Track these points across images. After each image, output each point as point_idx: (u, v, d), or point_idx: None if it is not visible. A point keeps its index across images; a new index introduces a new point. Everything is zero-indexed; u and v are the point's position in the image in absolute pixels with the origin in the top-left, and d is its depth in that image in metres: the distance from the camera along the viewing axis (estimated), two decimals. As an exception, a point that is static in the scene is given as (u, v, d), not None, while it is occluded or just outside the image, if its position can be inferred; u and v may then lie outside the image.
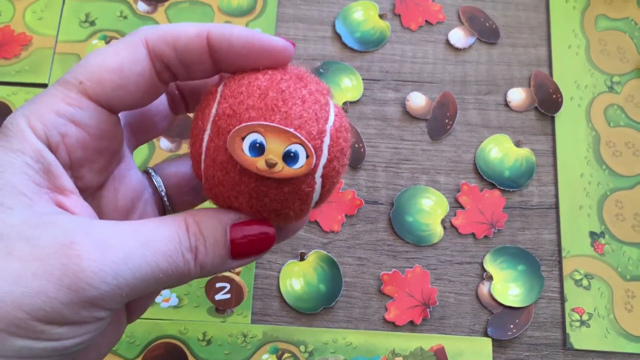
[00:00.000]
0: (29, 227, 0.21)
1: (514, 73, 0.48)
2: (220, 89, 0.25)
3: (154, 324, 0.41)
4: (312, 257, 0.43)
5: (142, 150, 0.45)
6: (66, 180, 0.24)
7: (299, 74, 0.26)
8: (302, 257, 0.43)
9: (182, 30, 0.25)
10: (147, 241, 0.22)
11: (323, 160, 0.25)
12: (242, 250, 0.25)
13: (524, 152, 0.46)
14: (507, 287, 0.43)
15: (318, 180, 0.25)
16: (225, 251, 0.24)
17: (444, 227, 0.45)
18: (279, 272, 0.43)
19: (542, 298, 0.43)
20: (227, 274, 0.43)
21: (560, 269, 0.44)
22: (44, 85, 0.47)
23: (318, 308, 0.42)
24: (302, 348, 0.41)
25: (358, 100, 0.47)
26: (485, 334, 0.42)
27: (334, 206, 0.45)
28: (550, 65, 0.49)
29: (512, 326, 0.42)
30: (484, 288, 0.43)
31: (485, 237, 0.44)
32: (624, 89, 0.48)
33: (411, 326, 0.42)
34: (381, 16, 0.50)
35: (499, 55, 0.49)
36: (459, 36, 0.49)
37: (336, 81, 0.48)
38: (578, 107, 0.47)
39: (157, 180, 0.29)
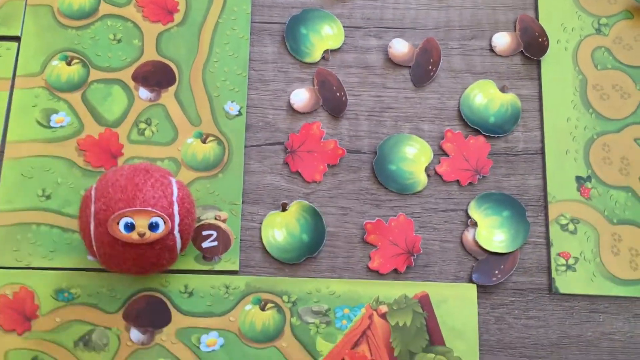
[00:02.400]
0: None
1: (498, 17, 0.47)
2: (92, 192, 0.37)
3: (135, 277, 0.41)
4: (294, 208, 0.43)
5: (121, 101, 0.44)
6: None
7: (145, 168, 0.38)
8: (284, 208, 0.43)
9: None
10: None
11: (177, 221, 0.37)
12: None
13: (510, 98, 0.45)
14: (492, 233, 0.42)
15: (177, 234, 0.37)
16: None
17: (428, 175, 0.44)
18: (261, 223, 0.42)
19: (528, 243, 0.43)
20: (213, 221, 0.42)
21: (546, 214, 0.43)
22: (17, 38, 0.45)
23: (301, 258, 0.42)
24: (285, 298, 0.41)
25: (339, 49, 0.46)
26: (470, 281, 0.42)
27: (315, 156, 0.44)
28: (536, 8, 0.47)
29: (497, 272, 0.42)
30: (468, 235, 0.43)
31: (470, 184, 0.44)
32: (612, 31, 0.47)
33: (395, 274, 0.42)
34: (362, -39, 0.48)
35: (483, -1, 0.48)
36: (442, -20, 0.48)
37: (317, 29, 0.46)
38: (565, 50, 0.46)
39: None
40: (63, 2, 0.46)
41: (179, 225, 0.37)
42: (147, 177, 0.37)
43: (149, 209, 0.36)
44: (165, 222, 0.36)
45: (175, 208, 0.37)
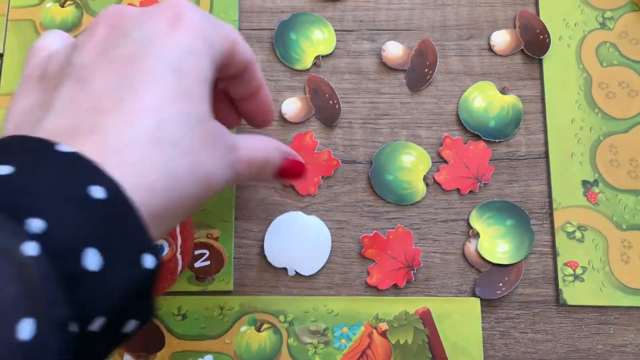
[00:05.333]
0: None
1: (497, 14, 0.45)
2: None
3: (126, 300, 0.40)
4: (288, 223, 0.41)
5: None
6: None
7: None
8: (277, 224, 0.41)
9: None
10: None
11: (179, 242, 0.36)
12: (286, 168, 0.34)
13: (510, 99, 0.43)
14: (495, 243, 0.41)
15: (179, 257, 0.36)
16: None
17: (427, 184, 0.42)
18: (255, 240, 0.41)
19: (533, 253, 0.41)
20: (204, 239, 0.41)
21: (552, 222, 0.41)
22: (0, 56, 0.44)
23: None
24: (281, 318, 0.40)
25: (331, 54, 0.44)
26: (473, 294, 0.40)
27: (309, 168, 0.42)
28: (537, 3, 0.45)
29: (501, 284, 0.40)
30: (470, 246, 0.41)
31: (471, 192, 0.42)
32: (617, 25, 0.44)
33: (395, 290, 0.40)
34: (352, -40, 0.46)
35: (481, -4, 0.45)
36: (437, -23, 0.45)
37: (307, 34, 0.44)
38: (567, 47, 0.44)
39: None
40: (45, 16, 0.45)
41: (181, 247, 0.36)
42: None
43: None
44: (169, 245, 0.35)
45: (178, 229, 0.36)
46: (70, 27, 0.45)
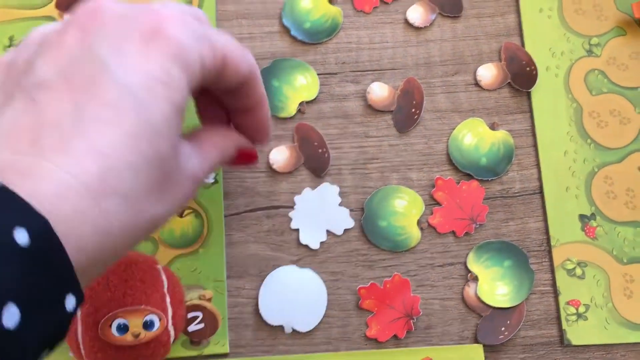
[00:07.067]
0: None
1: (482, 47, 0.44)
2: None
3: (121, 370, 0.39)
4: (282, 278, 0.40)
5: None
6: None
7: (126, 261, 0.35)
8: (271, 279, 0.40)
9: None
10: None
11: (170, 314, 0.35)
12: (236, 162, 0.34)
13: (501, 135, 0.42)
14: (495, 286, 0.40)
15: (171, 328, 0.35)
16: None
17: (421, 228, 0.41)
18: (248, 298, 0.40)
19: (534, 294, 0.40)
20: (197, 302, 0.40)
21: (551, 260, 0.40)
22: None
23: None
24: (281, 378, 0.39)
25: (315, 99, 0.43)
26: (476, 340, 0.39)
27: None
28: (521, 34, 0.44)
29: (503, 329, 0.39)
30: (469, 290, 0.40)
31: (467, 234, 0.41)
32: (604, 51, 0.44)
33: (395, 340, 0.39)
34: (331, 1, 0.45)
35: (464, 30, 0.44)
36: (418, 13, 0.45)
37: (289, 80, 0.43)
38: (555, 77, 0.43)
39: None
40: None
41: (172, 317, 0.35)
42: (134, 270, 0.35)
43: (142, 307, 0.34)
44: (160, 319, 0.34)
45: (167, 300, 0.35)
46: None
